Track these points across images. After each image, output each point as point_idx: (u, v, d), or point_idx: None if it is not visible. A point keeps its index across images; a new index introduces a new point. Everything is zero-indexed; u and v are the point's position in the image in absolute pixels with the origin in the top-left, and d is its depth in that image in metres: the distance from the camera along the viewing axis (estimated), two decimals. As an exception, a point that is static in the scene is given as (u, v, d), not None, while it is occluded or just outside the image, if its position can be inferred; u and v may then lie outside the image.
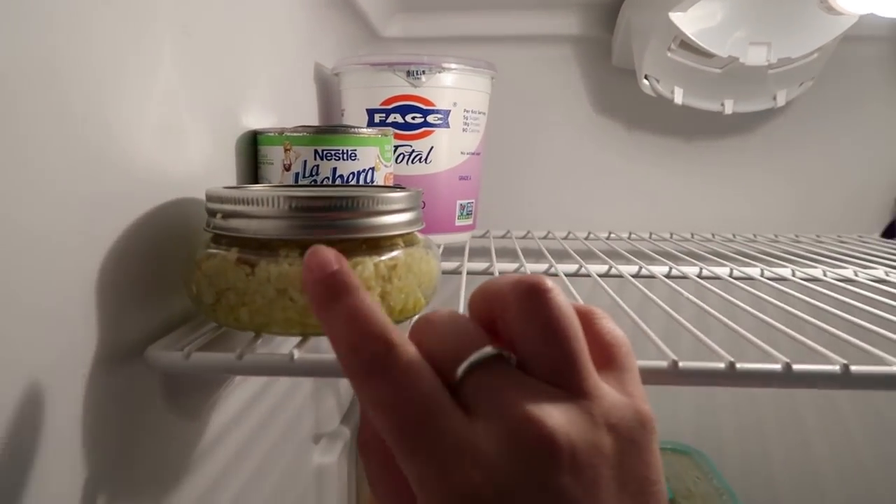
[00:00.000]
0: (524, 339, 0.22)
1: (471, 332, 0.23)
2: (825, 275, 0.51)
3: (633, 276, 0.50)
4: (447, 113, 0.60)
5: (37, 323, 0.24)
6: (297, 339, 0.31)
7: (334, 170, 0.44)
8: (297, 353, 0.29)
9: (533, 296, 0.22)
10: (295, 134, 0.44)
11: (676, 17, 0.62)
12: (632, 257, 0.56)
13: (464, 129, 0.62)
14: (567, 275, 0.50)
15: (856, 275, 0.51)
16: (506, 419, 0.20)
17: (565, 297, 0.23)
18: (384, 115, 0.60)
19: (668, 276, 0.51)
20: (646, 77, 0.69)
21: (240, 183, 0.44)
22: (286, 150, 0.44)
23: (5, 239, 0.23)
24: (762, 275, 0.51)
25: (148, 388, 0.32)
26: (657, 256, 0.57)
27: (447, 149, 0.61)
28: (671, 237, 0.74)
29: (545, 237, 0.71)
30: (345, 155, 0.44)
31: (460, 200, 0.64)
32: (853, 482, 0.84)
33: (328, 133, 0.44)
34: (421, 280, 0.33)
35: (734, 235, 0.75)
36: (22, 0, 0.23)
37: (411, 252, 0.33)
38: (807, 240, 0.72)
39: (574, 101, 0.81)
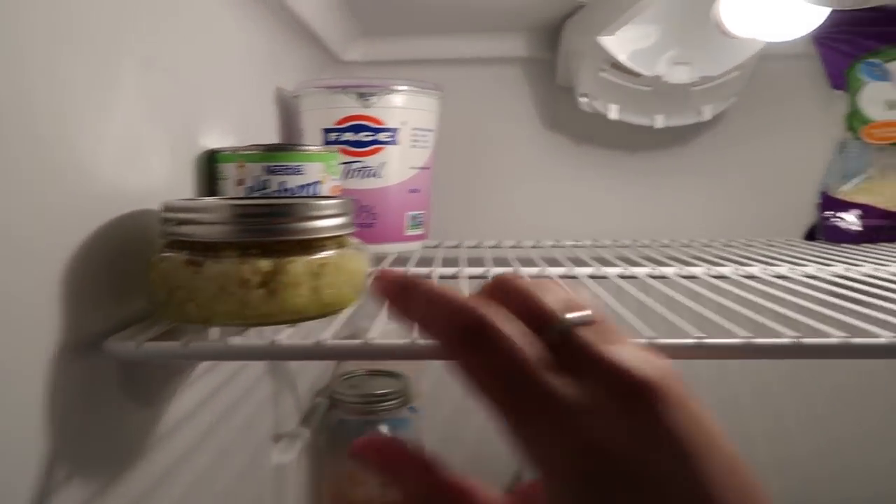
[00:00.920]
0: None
1: (547, 298, 0.24)
2: (764, 272, 0.55)
3: (591, 277, 0.54)
4: (396, 131, 0.65)
5: (4, 313, 0.29)
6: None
7: (282, 183, 0.48)
8: (232, 340, 0.33)
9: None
10: (247, 152, 0.49)
11: (605, 40, 0.67)
12: (589, 260, 0.60)
13: (412, 146, 0.67)
14: (531, 276, 0.55)
15: (791, 271, 0.56)
16: (607, 371, 0.22)
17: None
18: (338, 133, 0.65)
19: (621, 276, 0.55)
20: (583, 95, 0.75)
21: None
22: (239, 167, 0.49)
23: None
24: (709, 273, 0.56)
25: (107, 377, 0.36)
26: (612, 259, 0.61)
27: (397, 164, 0.66)
28: (614, 244, 0.79)
29: (495, 246, 0.76)
30: (292, 170, 0.49)
31: (410, 212, 0.69)
32: (780, 448, 0.89)
33: (277, 151, 0.49)
34: (351, 278, 0.37)
35: (670, 241, 0.80)
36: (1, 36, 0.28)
37: (342, 253, 0.37)
38: (738, 244, 0.77)
39: (524, 118, 0.86)
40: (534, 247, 0.76)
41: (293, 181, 0.49)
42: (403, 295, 0.25)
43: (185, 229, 0.35)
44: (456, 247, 0.75)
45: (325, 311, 0.36)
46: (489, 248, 0.75)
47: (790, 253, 0.68)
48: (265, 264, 0.34)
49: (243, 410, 0.57)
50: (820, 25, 0.76)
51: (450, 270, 0.56)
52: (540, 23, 0.79)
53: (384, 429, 0.75)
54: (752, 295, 0.46)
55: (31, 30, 0.30)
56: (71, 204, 0.33)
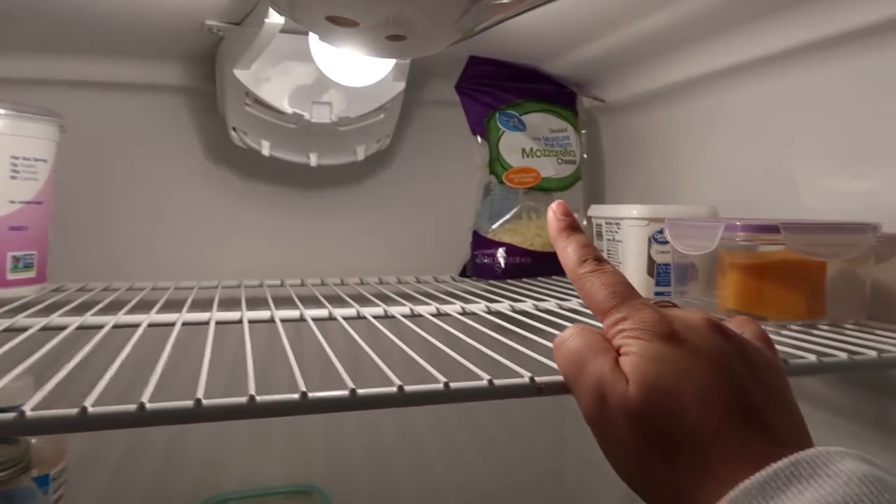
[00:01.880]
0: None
1: None
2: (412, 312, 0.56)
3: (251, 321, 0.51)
4: (-15, 159, 0.57)
5: None
6: None
7: None
8: None
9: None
10: None
11: (240, 74, 0.65)
12: (275, 302, 0.56)
13: (12, 177, 0.59)
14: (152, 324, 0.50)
15: (462, 311, 0.57)
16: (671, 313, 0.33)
17: None
18: None
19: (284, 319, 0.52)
20: (234, 129, 0.72)
21: None
22: None
23: None
24: (385, 314, 0.56)
25: None
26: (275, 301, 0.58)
27: (-11, 197, 0.57)
28: (281, 284, 0.77)
29: (130, 288, 0.69)
30: None
31: (13, 252, 0.60)
32: (469, 494, 0.92)
33: None
34: None
35: (342, 280, 0.80)
36: None
37: None
38: (405, 281, 0.79)
39: (185, 151, 0.81)
40: (177, 288, 0.70)
41: None
42: (569, 230, 0.38)
43: None
44: (81, 290, 0.67)
45: None
46: (127, 290, 0.68)
47: (454, 289, 0.71)
48: None
49: None
50: (463, 77, 0.82)
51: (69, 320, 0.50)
52: (198, 52, 0.75)
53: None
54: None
55: None
56: None
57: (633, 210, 0.65)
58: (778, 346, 0.42)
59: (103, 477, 0.79)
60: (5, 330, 0.48)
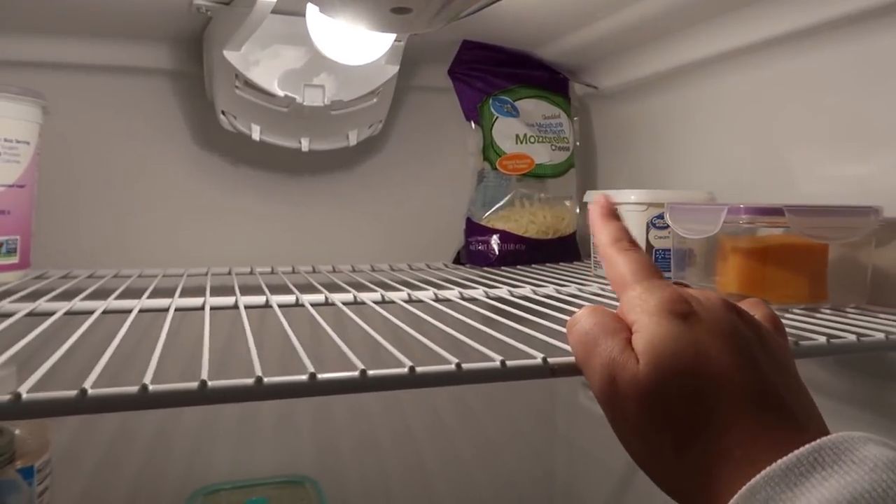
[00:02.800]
0: None
1: None
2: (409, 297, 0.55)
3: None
4: (-36, 140, 0.55)
5: None
6: None
7: None
8: None
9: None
10: None
11: (230, 55, 0.64)
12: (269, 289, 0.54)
13: (-6, 159, 0.57)
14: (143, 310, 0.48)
15: (461, 296, 0.56)
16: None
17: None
18: None
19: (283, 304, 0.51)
20: (223, 112, 0.70)
21: None
22: None
23: None
24: (382, 299, 0.54)
25: None
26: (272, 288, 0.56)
27: (-31, 180, 0.55)
28: (272, 271, 0.75)
29: (117, 276, 0.67)
30: None
31: (-5, 237, 0.58)
32: (460, 486, 0.92)
33: None
34: None
35: (334, 268, 0.78)
36: None
37: None
38: (399, 269, 0.78)
39: (172, 136, 0.79)
40: (165, 275, 0.68)
41: None
42: (609, 217, 0.38)
43: None
44: (66, 277, 0.65)
45: None
46: (113, 277, 0.66)
47: (451, 276, 0.69)
48: None
49: None
50: (456, 62, 0.81)
51: (57, 305, 0.48)
52: (185, 33, 0.73)
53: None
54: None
55: None
56: None
57: (632, 195, 0.64)
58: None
59: (88, 469, 0.78)
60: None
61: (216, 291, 0.53)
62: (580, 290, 0.62)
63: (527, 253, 0.81)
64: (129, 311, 0.47)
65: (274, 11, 0.59)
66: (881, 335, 0.42)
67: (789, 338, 0.38)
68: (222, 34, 0.64)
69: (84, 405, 0.28)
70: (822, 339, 0.40)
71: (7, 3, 0.63)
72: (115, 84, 0.76)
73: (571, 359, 0.35)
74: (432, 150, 0.87)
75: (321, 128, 0.73)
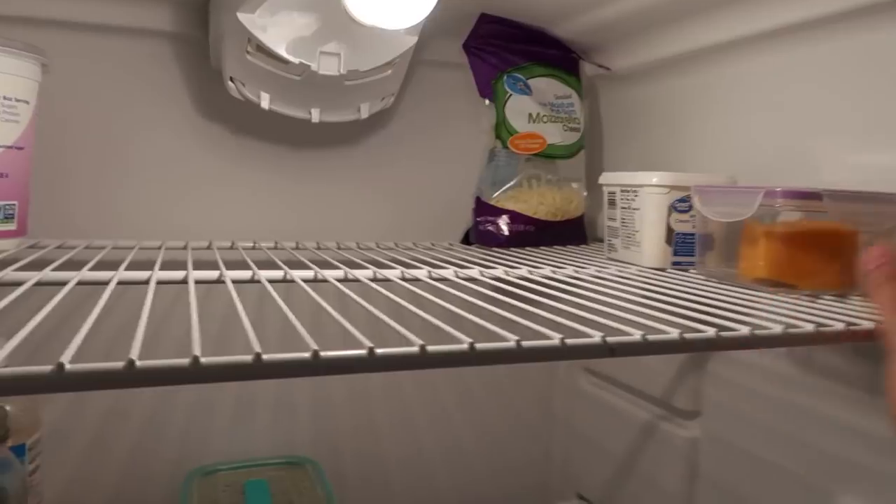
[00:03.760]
0: None
1: None
2: (429, 275, 0.52)
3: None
4: (-38, 96, 0.51)
5: None
6: None
7: None
8: None
9: None
10: None
11: (245, 17, 0.61)
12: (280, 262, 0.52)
13: (-8, 118, 0.53)
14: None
15: (456, 275, 0.54)
16: None
17: None
18: None
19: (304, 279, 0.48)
20: (231, 79, 0.67)
21: None
22: None
23: None
24: (402, 277, 0.52)
25: None
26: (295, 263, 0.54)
27: (-35, 139, 0.52)
28: (276, 246, 0.73)
29: (116, 247, 0.64)
30: None
31: (-8, 201, 0.55)
32: (458, 467, 0.91)
33: None
34: None
35: (338, 244, 0.76)
36: None
37: None
38: (403, 247, 0.76)
39: (173, 102, 0.75)
40: (167, 248, 0.66)
41: None
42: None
43: None
44: (61, 247, 0.62)
45: None
46: (114, 249, 0.63)
47: (453, 256, 0.68)
48: None
49: None
50: (472, 35, 0.79)
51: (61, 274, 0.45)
52: (188, -6, 0.70)
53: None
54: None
55: None
56: None
57: (654, 177, 0.63)
58: (815, 316, 0.41)
59: (79, 448, 0.75)
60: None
61: (213, 266, 0.51)
62: (599, 271, 0.61)
63: (535, 234, 0.80)
64: (146, 283, 0.45)
65: (291, -27, 0.56)
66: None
67: (829, 324, 0.38)
68: (235, -4, 0.61)
69: (62, 382, 0.26)
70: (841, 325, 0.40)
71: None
72: (115, 45, 0.72)
73: (629, 338, 0.34)
74: (441, 126, 0.85)
75: (333, 98, 0.70)
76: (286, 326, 0.35)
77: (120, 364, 0.26)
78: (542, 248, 0.79)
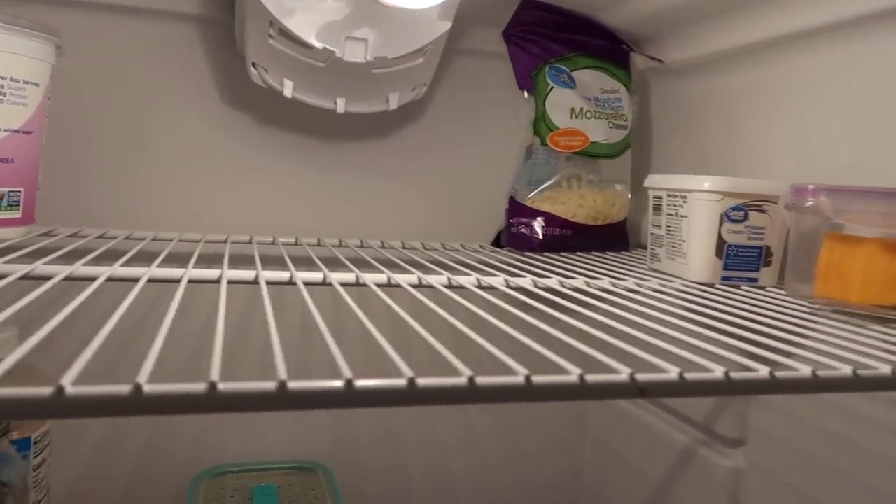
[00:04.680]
0: None
1: None
2: (449, 282, 0.48)
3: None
4: (-35, 76, 0.49)
5: None
6: None
7: None
8: None
9: None
10: None
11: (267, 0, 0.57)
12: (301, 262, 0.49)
13: (-2, 100, 0.51)
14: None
15: (476, 284, 0.49)
16: None
17: None
18: None
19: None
20: (253, 65, 0.64)
21: None
22: None
23: None
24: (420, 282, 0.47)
25: None
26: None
27: (-31, 121, 0.49)
28: (296, 242, 0.69)
29: (130, 237, 0.61)
30: None
31: (-4, 187, 0.52)
32: (483, 481, 0.86)
33: None
34: None
35: (362, 242, 0.72)
36: None
37: None
38: (432, 248, 0.72)
39: (198, 89, 0.72)
40: (181, 240, 0.63)
41: None
42: None
43: None
44: (74, 236, 0.60)
45: None
46: (125, 239, 0.61)
47: (488, 259, 0.63)
48: None
49: None
50: (513, 22, 0.73)
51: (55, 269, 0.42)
52: (215, -24, 0.67)
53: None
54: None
55: None
56: None
57: (705, 182, 0.57)
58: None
59: (89, 444, 0.73)
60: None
61: (237, 262, 0.47)
62: (638, 284, 0.55)
63: (572, 239, 0.74)
64: (137, 280, 0.41)
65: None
66: None
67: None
68: (258, -25, 0.57)
69: (62, 408, 0.22)
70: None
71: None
72: (139, 28, 0.70)
73: (664, 376, 0.28)
74: (477, 120, 0.80)
75: (360, 87, 0.66)
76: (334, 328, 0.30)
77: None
78: (578, 254, 0.73)
